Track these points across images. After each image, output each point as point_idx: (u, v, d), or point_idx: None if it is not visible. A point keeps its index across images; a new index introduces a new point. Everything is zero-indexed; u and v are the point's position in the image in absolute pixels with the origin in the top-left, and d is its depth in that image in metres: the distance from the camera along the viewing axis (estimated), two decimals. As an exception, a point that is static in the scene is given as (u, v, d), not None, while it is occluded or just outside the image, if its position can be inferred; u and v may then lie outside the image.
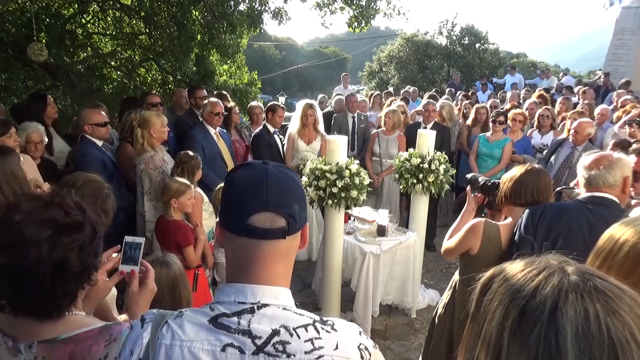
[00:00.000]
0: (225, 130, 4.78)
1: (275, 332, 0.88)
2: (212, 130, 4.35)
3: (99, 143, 3.64)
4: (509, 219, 2.23)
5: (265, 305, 0.90)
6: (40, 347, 1.09)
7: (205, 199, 3.61)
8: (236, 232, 0.92)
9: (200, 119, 4.53)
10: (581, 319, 0.60)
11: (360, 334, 0.96)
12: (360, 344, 0.93)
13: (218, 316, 0.89)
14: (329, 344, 0.89)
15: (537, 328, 0.61)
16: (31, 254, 1.01)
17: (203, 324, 0.89)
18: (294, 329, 0.89)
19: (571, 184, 3.54)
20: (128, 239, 1.48)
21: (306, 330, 0.89)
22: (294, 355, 0.86)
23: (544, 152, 5.07)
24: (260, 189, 0.91)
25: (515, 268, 0.72)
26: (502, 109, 6.40)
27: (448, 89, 12.18)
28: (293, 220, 0.93)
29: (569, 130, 4.67)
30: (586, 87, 9.07)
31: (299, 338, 0.88)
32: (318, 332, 0.90)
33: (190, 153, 3.49)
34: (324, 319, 0.95)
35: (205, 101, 4.46)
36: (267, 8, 8.80)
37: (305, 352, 0.87)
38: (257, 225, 0.90)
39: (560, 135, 5.13)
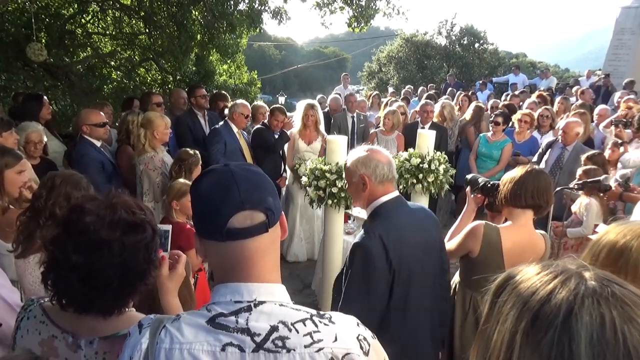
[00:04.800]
0: (243, 131, 4.83)
1: (274, 329, 0.88)
2: (235, 129, 4.50)
3: (98, 143, 3.62)
4: (509, 222, 2.22)
5: (262, 302, 0.91)
6: (101, 343, 1.12)
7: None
8: (218, 239, 0.92)
9: (199, 120, 4.52)
10: (596, 325, 0.58)
11: (358, 325, 0.97)
12: (359, 334, 0.94)
13: (216, 316, 0.90)
14: (327, 336, 0.90)
15: (551, 332, 0.60)
16: (104, 254, 1.05)
17: (201, 325, 0.89)
18: (292, 324, 0.90)
19: (571, 185, 3.54)
20: (160, 226, 1.54)
21: (304, 325, 0.90)
22: (294, 350, 0.87)
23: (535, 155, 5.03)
24: (231, 191, 0.91)
25: (531, 271, 0.71)
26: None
27: (450, 89, 12.15)
28: (271, 212, 0.94)
29: (558, 131, 4.66)
30: (585, 88, 9.05)
31: (298, 332, 0.89)
32: (316, 325, 0.91)
33: (190, 151, 3.48)
34: (321, 312, 0.96)
35: (234, 102, 4.68)
36: (267, 8, 8.79)
37: (305, 346, 0.88)
38: (237, 226, 0.90)
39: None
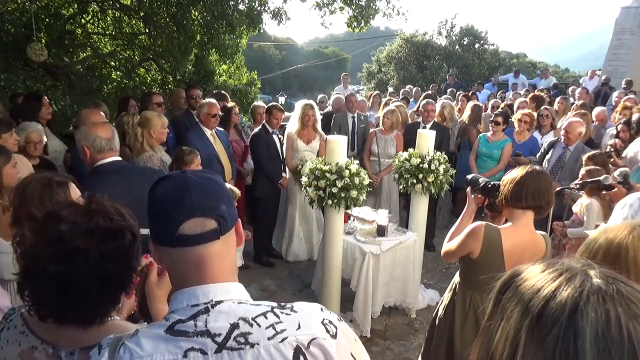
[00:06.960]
0: (222, 130, 4.74)
1: (235, 326, 0.87)
2: (207, 132, 4.27)
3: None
4: (510, 223, 2.22)
5: (219, 302, 0.90)
6: (82, 354, 1.09)
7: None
8: (170, 244, 0.92)
9: (196, 120, 4.47)
10: (602, 322, 0.59)
11: (322, 310, 0.96)
12: (324, 319, 0.94)
13: (174, 324, 0.88)
14: (290, 325, 0.90)
15: (556, 329, 0.60)
16: (80, 263, 1.01)
17: (160, 336, 0.88)
18: (253, 319, 0.89)
19: (571, 184, 3.53)
20: (143, 231, 1.50)
21: (266, 318, 0.90)
22: (258, 344, 0.86)
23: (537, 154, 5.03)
24: (183, 197, 0.91)
25: (536, 269, 0.71)
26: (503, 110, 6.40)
27: (449, 89, 12.14)
28: (223, 220, 0.93)
29: (560, 130, 4.66)
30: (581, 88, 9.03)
31: (260, 326, 0.88)
32: (278, 316, 0.91)
33: (186, 149, 3.49)
34: (282, 303, 0.95)
35: (202, 102, 4.37)
36: (266, 8, 8.81)
37: (269, 338, 0.87)
38: (188, 232, 0.90)
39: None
